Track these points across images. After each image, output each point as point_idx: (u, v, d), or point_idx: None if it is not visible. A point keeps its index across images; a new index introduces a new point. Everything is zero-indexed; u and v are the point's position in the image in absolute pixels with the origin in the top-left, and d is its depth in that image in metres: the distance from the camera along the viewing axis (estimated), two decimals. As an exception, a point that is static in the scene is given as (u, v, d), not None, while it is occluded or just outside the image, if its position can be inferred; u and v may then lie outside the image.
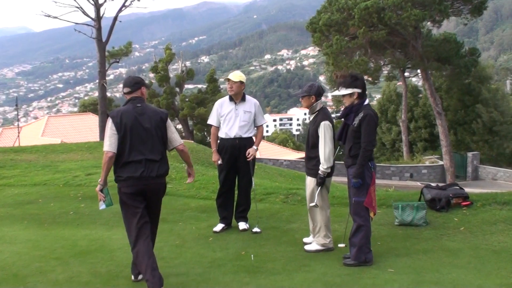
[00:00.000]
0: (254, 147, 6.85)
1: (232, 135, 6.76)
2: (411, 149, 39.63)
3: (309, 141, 5.84)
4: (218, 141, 6.95)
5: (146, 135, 4.84)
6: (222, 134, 6.86)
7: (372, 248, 5.54)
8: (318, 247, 5.89)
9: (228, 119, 6.80)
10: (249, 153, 6.74)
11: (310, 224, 6.07)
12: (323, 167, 5.62)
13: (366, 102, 5.50)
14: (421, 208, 6.66)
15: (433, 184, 7.66)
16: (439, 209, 7.04)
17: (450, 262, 5.40)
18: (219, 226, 6.93)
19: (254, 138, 7.00)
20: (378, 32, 28.65)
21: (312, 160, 5.81)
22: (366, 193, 5.39)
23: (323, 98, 6.10)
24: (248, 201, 7.11)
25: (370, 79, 34.81)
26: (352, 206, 5.54)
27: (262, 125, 6.99)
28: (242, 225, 6.94)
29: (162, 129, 4.94)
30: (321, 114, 5.75)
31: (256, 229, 6.78)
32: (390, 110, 44.26)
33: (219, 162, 6.79)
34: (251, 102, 6.88)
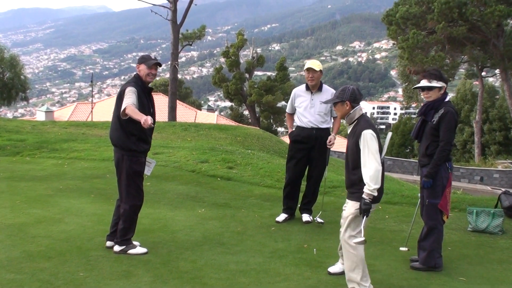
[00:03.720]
0: (333, 135, 6.63)
1: (308, 125, 6.59)
2: (483, 152, 38.09)
3: (349, 160, 4.57)
4: (293, 129, 6.83)
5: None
6: (297, 122, 6.74)
7: (443, 254, 5.24)
8: None
9: (304, 108, 6.63)
10: (330, 141, 6.54)
11: (340, 262, 4.94)
12: (369, 188, 4.28)
13: (447, 99, 5.20)
14: (498, 216, 6.26)
15: (513, 191, 7.19)
16: (518, 217, 6.61)
17: (528, 276, 5.03)
18: (282, 216, 6.79)
19: (330, 129, 6.79)
20: (457, 28, 27.52)
21: (355, 184, 4.49)
22: (441, 195, 5.09)
23: (364, 105, 5.72)
24: (316, 193, 6.93)
25: (445, 76, 33.57)
26: (424, 207, 5.23)
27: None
28: (306, 217, 6.78)
29: (119, 100, 5.20)
30: (362, 123, 4.50)
31: (318, 219, 6.64)
32: (464, 109, 42.76)
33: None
34: (328, 93, 6.60)
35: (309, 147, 6.63)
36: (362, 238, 4.32)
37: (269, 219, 6.79)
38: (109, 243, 5.49)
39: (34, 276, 4.62)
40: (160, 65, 5.41)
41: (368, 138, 4.35)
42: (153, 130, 5.46)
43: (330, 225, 6.57)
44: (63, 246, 5.44)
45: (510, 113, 31.79)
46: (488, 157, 37.25)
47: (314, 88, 6.61)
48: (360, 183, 4.37)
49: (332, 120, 6.79)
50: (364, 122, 4.49)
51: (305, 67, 6.60)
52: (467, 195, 9.18)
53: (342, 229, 4.55)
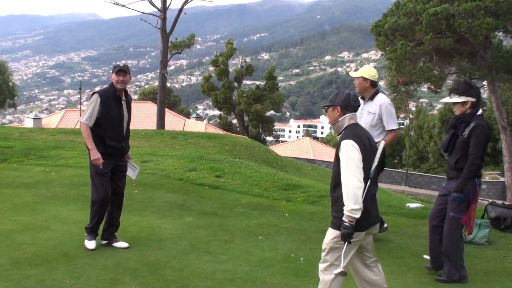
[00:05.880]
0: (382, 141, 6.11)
1: None
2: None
3: (332, 176, 3.99)
4: None
5: None
6: None
7: (428, 264, 5.29)
8: None
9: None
10: None
11: None
12: (347, 209, 3.64)
13: (479, 112, 5.07)
14: (484, 226, 6.32)
15: (499, 202, 7.28)
16: (504, 228, 6.69)
17: (512, 286, 5.09)
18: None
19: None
20: (445, 40, 27.67)
21: (338, 202, 3.83)
22: (466, 210, 5.03)
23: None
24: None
25: (432, 87, 33.86)
26: (447, 221, 5.15)
27: (392, 130, 6.01)
28: None
29: None
30: (347, 132, 3.90)
31: None
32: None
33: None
34: (377, 103, 6.00)
35: None
36: (340, 269, 3.73)
37: (257, 228, 6.81)
38: (103, 241, 5.82)
39: (20, 283, 4.60)
40: (125, 71, 5.67)
41: (347, 149, 3.75)
42: (120, 135, 5.77)
43: (317, 234, 6.59)
44: (50, 254, 5.42)
45: (498, 124, 32.06)
46: (475, 168, 37.48)
47: (366, 96, 6.10)
48: (341, 204, 3.72)
49: (385, 134, 6.05)
50: (349, 131, 3.88)
51: None
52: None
53: (322, 261, 4.01)
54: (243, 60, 49.10)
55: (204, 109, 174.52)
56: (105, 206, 5.71)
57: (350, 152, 3.73)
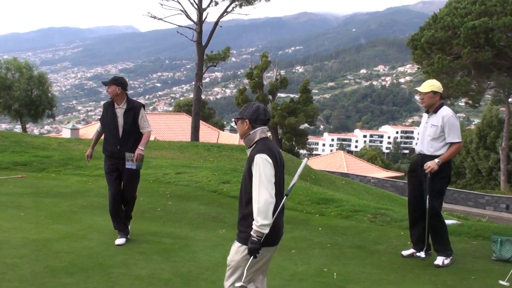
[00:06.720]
0: (435, 160, 5.85)
1: (417, 150, 6.15)
2: (509, 179, 37.43)
3: (242, 191, 3.83)
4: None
5: None
6: None
7: (465, 282, 5.17)
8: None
9: (420, 132, 6.18)
10: (427, 165, 5.87)
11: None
12: (256, 223, 3.55)
13: None
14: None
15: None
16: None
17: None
18: (409, 251, 6.32)
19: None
20: (484, 53, 27.34)
21: (248, 219, 3.70)
22: None
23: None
24: (434, 233, 6.06)
25: (470, 102, 33.31)
26: None
27: (454, 143, 5.89)
28: (436, 260, 6.05)
29: None
30: (258, 146, 3.75)
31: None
32: (490, 136, 42.23)
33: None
34: (440, 115, 5.93)
35: (419, 176, 6.07)
36: (240, 283, 3.67)
37: (290, 242, 6.78)
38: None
39: (56, 291, 4.68)
40: (107, 84, 6.44)
41: (260, 164, 3.63)
42: (116, 139, 6.46)
43: (351, 249, 6.54)
44: (86, 263, 5.51)
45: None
46: (514, 184, 36.61)
47: (431, 109, 6.02)
48: (252, 220, 3.60)
49: (448, 146, 5.94)
50: (261, 145, 3.75)
51: None
52: (492, 223, 9.04)
53: (227, 277, 3.85)
54: (277, 73, 49.20)
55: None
56: (115, 200, 6.43)
57: (264, 166, 3.63)
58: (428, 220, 5.98)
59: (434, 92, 5.94)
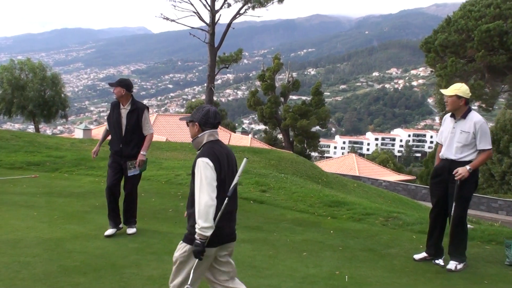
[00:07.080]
0: (467, 166, 5.76)
1: (443, 155, 6.00)
2: (522, 184, 37.14)
3: (190, 192, 3.99)
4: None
5: None
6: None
7: (477, 287, 5.13)
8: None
9: (445, 137, 6.03)
10: (457, 171, 5.75)
11: None
12: (197, 226, 3.65)
13: None
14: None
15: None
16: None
17: None
18: (421, 255, 6.29)
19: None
20: (498, 57, 27.16)
21: (190, 218, 3.89)
22: None
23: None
24: (454, 235, 5.97)
25: (484, 105, 33.06)
26: None
27: (485, 150, 5.80)
28: (449, 264, 5.97)
29: None
30: (203, 150, 3.88)
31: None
32: (503, 140, 41.86)
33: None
34: (472, 121, 5.81)
35: (445, 181, 5.97)
36: (187, 285, 3.74)
37: (301, 244, 6.77)
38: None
39: (69, 291, 4.71)
40: (113, 85, 6.79)
41: (201, 167, 3.73)
42: (119, 138, 6.76)
43: (362, 252, 6.51)
44: (98, 262, 5.54)
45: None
46: (527, 189, 36.32)
47: (458, 114, 5.91)
48: (195, 220, 3.71)
49: (478, 153, 5.88)
50: (206, 149, 3.86)
51: None
52: (505, 228, 8.96)
53: (171, 277, 3.93)
54: (289, 75, 49.23)
55: (250, 123, 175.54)
56: (111, 193, 6.71)
57: (205, 170, 3.72)
58: (452, 227, 5.92)
59: (458, 97, 5.83)
